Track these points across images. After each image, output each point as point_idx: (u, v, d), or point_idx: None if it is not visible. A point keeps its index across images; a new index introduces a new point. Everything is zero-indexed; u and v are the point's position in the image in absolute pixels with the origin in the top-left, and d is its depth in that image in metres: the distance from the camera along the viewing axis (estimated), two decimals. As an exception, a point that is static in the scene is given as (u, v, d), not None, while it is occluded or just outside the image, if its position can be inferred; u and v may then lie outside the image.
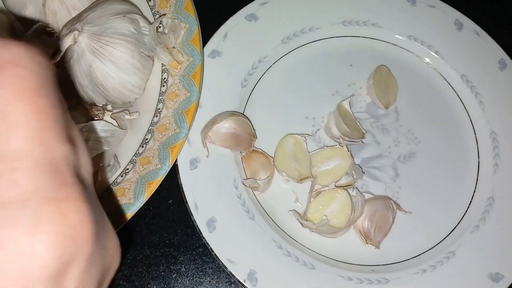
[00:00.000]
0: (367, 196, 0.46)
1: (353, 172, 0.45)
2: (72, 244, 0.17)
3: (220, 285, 0.44)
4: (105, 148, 0.43)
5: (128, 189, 0.42)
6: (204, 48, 0.48)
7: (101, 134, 0.42)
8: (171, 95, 0.45)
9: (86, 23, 0.42)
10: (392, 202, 0.45)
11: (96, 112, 0.44)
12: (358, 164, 0.47)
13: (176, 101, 0.45)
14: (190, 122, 0.44)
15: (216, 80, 0.48)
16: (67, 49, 0.42)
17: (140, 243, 0.46)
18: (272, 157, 0.47)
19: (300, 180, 0.45)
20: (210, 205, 0.44)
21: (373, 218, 0.44)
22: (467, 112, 0.51)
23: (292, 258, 0.43)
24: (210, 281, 0.45)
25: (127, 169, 0.43)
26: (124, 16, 0.43)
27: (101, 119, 0.43)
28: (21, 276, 0.15)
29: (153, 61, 0.47)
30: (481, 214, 0.46)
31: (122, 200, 0.42)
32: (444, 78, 0.52)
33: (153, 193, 0.42)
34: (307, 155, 0.46)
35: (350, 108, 0.48)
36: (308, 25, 0.52)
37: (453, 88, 0.51)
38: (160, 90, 0.46)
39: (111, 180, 0.43)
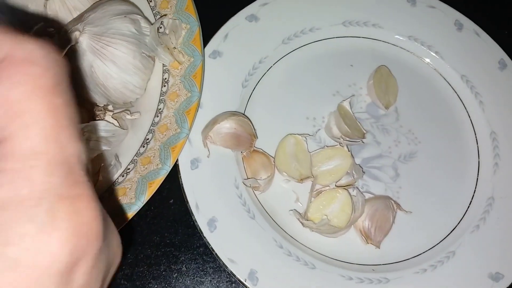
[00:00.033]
0: (367, 196, 0.46)
1: (354, 172, 0.46)
2: (83, 240, 0.17)
3: (221, 284, 0.45)
4: (106, 148, 0.44)
5: (129, 189, 0.42)
6: (205, 49, 0.49)
7: (102, 134, 0.42)
8: (172, 95, 0.45)
9: (87, 24, 0.42)
10: (392, 202, 0.45)
11: (97, 112, 0.44)
12: (359, 164, 0.48)
13: (177, 101, 0.45)
14: (191, 122, 0.44)
15: (217, 81, 0.48)
16: (68, 49, 0.42)
17: (141, 242, 0.46)
18: (272, 157, 0.47)
19: (301, 180, 0.45)
20: (211, 205, 0.44)
21: (374, 217, 0.44)
22: (467, 112, 0.51)
23: (292, 258, 0.43)
24: (211, 280, 0.45)
25: (128, 169, 0.44)
26: (125, 16, 0.43)
27: (102, 119, 0.43)
28: (35, 271, 0.16)
29: (154, 62, 0.47)
30: (481, 214, 0.46)
31: (123, 200, 0.42)
32: (444, 78, 0.52)
33: (154, 193, 0.42)
34: (308, 155, 0.46)
35: (351, 108, 0.48)
36: (309, 25, 0.52)
37: (453, 88, 0.51)
38: (161, 90, 0.46)
39: (112, 180, 0.43)
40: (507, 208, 0.46)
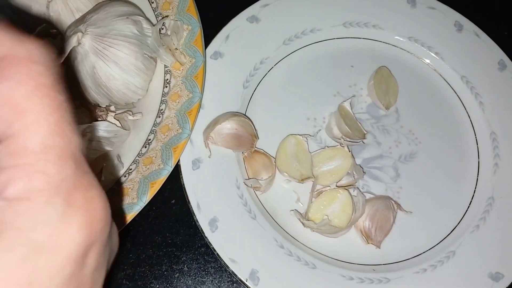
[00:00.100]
0: (368, 196, 0.46)
1: (354, 172, 0.46)
2: (97, 225, 0.18)
3: (222, 284, 0.45)
4: (108, 148, 0.44)
5: (131, 189, 0.42)
6: (206, 50, 0.49)
7: (105, 134, 0.43)
8: (173, 96, 0.46)
9: (89, 25, 0.42)
10: (393, 202, 0.46)
11: (100, 113, 0.44)
12: (359, 165, 0.48)
13: (178, 102, 0.45)
14: (192, 122, 0.44)
15: (218, 81, 0.49)
16: (71, 50, 0.42)
17: (143, 242, 0.46)
18: (273, 157, 0.47)
19: (302, 180, 0.45)
20: (212, 205, 0.44)
21: (374, 218, 0.44)
22: (467, 112, 0.51)
23: (293, 258, 0.43)
24: (212, 280, 0.45)
25: (130, 169, 0.44)
26: (127, 18, 0.44)
27: (104, 120, 0.44)
28: (59, 254, 0.17)
29: (156, 63, 0.47)
30: (481, 214, 0.46)
31: (125, 200, 0.42)
32: (444, 79, 0.52)
33: (156, 193, 0.42)
34: (309, 155, 0.47)
35: (351, 109, 0.48)
36: (309, 26, 0.52)
37: (453, 89, 0.52)
38: (163, 91, 0.46)
39: (114, 180, 0.44)
40: (507, 208, 0.46)
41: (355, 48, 0.53)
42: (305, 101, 0.50)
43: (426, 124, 0.50)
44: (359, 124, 0.48)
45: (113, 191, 0.43)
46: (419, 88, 0.52)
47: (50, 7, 0.45)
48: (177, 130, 0.44)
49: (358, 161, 0.48)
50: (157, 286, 0.45)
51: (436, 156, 0.49)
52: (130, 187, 0.43)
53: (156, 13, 0.49)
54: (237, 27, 0.51)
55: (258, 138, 0.48)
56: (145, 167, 0.43)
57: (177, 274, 0.45)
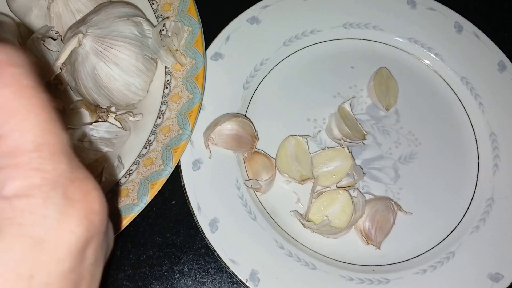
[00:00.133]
0: (368, 197, 0.46)
1: (354, 173, 0.46)
2: (95, 218, 0.19)
3: (222, 285, 0.45)
4: (109, 149, 0.44)
5: (132, 190, 0.43)
6: (207, 51, 0.49)
7: (105, 135, 0.43)
8: (174, 97, 0.46)
9: (90, 26, 0.42)
10: (392, 203, 0.46)
11: (100, 114, 0.44)
12: (359, 165, 0.48)
13: (179, 103, 0.45)
14: (193, 123, 0.44)
15: (219, 82, 0.49)
16: (71, 51, 0.42)
17: (144, 243, 0.46)
18: (274, 158, 0.47)
19: (302, 181, 0.45)
20: (212, 206, 0.44)
21: (374, 218, 0.45)
22: (467, 113, 0.51)
23: (293, 258, 0.43)
24: (212, 281, 0.45)
25: (131, 170, 0.44)
26: (128, 19, 0.44)
27: (105, 121, 0.44)
28: (59, 248, 0.18)
29: (156, 64, 0.47)
30: (481, 215, 0.46)
31: (126, 201, 0.42)
32: (444, 80, 0.52)
33: (156, 194, 0.42)
34: (309, 156, 0.47)
35: (351, 110, 0.49)
36: (310, 27, 0.52)
37: (453, 90, 0.52)
38: (163, 92, 0.47)
39: (115, 181, 0.44)
40: (506, 209, 0.46)
41: (355, 49, 0.53)
42: (305, 102, 0.50)
43: (426, 125, 0.50)
44: (359, 125, 0.48)
45: (114, 192, 0.43)
46: (419, 89, 0.52)
47: (51, 8, 0.45)
48: (178, 131, 0.44)
49: (358, 162, 0.48)
50: (158, 286, 0.45)
51: (436, 157, 0.49)
52: (130, 188, 0.43)
53: (156, 14, 0.49)
54: (237, 28, 0.51)
55: (258, 139, 0.48)
56: (146, 168, 0.43)
57: (178, 275, 0.45)
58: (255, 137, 0.47)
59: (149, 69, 0.45)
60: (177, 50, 0.47)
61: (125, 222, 0.41)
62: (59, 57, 0.42)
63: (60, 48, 0.45)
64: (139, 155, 0.44)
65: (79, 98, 0.46)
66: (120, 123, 0.44)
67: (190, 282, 0.45)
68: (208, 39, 0.49)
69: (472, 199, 0.47)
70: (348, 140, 0.47)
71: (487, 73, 0.51)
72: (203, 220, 0.44)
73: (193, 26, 0.47)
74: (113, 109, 0.45)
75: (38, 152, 0.17)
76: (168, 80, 0.47)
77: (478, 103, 0.51)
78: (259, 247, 0.43)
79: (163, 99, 0.46)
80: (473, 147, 0.50)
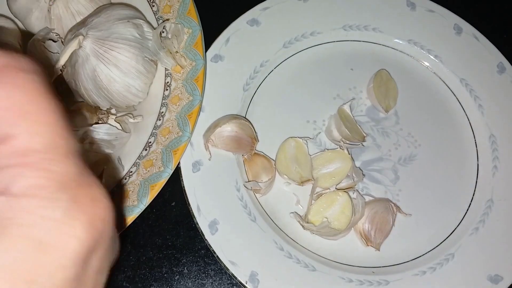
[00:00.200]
0: (367, 198, 0.47)
1: (354, 175, 0.46)
2: (102, 226, 0.18)
3: (222, 286, 0.45)
4: (109, 151, 0.44)
5: (132, 192, 0.43)
6: (207, 53, 0.49)
7: (105, 137, 0.43)
8: (174, 98, 0.46)
9: (90, 28, 0.42)
10: (392, 204, 0.46)
11: (100, 116, 0.44)
12: (359, 167, 0.48)
13: (179, 105, 0.45)
14: (192, 125, 0.44)
15: (219, 84, 0.49)
16: (72, 53, 0.42)
17: (143, 245, 0.46)
18: (273, 160, 0.47)
19: (301, 182, 0.46)
20: (212, 208, 0.44)
21: (374, 220, 0.45)
22: (467, 115, 0.51)
23: (293, 260, 0.43)
24: (212, 282, 0.45)
25: (131, 171, 0.44)
26: (128, 21, 0.44)
27: (105, 123, 0.44)
28: (62, 254, 0.17)
29: (156, 66, 0.47)
30: (480, 216, 0.46)
31: (126, 203, 0.42)
32: (444, 82, 0.52)
33: (156, 196, 0.42)
34: (308, 158, 0.47)
35: (351, 112, 0.49)
36: (309, 29, 0.53)
37: (452, 92, 0.52)
38: (163, 94, 0.47)
39: (115, 182, 0.44)
40: (506, 211, 0.46)
41: (355, 51, 0.53)
42: (305, 103, 0.50)
43: (425, 126, 0.50)
44: (359, 127, 0.48)
45: (114, 193, 0.43)
46: (418, 91, 0.52)
47: (51, 10, 0.45)
48: (178, 133, 0.44)
49: (357, 164, 0.48)
50: (158, 288, 0.45)
51: (435, 158, 0.49)
52: (130, 189, 0.43)
53: (156, 16, 0.49)
54: (237, 30, 0.51)
55: (258, 140, 0.48)
56: (146, 170, 0.43)
57: (177, 276, 0.45)
58: (254, 138, 0.47)
59: (149, 71, 0.46)
60: (177, 52, 0.47)
61: (125, 224, 0.41)
62: (60, 59, 0.42)
63: (60, 50, 0.45)
64: (139, 157, 0.45)
65: (79, 100, 0.47)
66: (120, 125, 0.44)
67: (190, 284, 0.45)
68: (208, 41, 0.49)
69: (471, 201, 0.47)
70: (347, 141, 0.47)
71: (487, 75, 0.51)
72: (202, 222, 0.44)
73: (193, 28, 0.47)
74: (113, 111, 0.45)
75: (47, 153, 0.18)
76: (168, 82, 0.47)
77: (478, 105, 0.51)
78: (259, 248, 0.43)
79: (163, 101, 0.46)
80: (472, 148, 0.50)
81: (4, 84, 0.17)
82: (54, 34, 0.46)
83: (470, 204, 0.47)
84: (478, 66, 0.52)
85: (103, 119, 0.44)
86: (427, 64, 0.53)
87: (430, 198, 0.47)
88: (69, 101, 0.47)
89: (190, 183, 0.45)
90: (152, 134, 0.45)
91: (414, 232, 0.46)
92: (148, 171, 0.43)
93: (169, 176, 0.43)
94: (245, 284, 0.42)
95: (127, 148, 0.45)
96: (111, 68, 0.42)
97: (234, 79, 0.50)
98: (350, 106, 0.49)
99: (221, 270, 0.45)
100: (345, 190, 0.46)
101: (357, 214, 0.44)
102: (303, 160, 0.47)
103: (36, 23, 0.46)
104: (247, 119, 0.48)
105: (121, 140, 0.44)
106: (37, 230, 0.17)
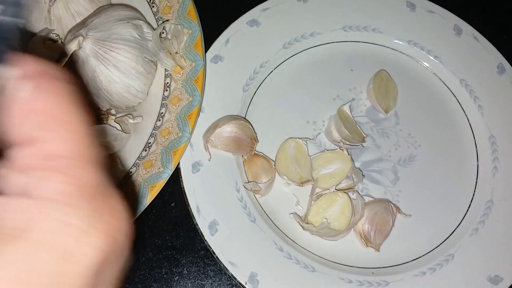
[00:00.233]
0: (367, 199, 0.47)
1: (354, 176, 0.46)
2: (120, 237, 0.19)
3: (221, 287, 0.45)
4: (108, 151, 0.44)
5: (131, 192, 0.43)
6: (207, 53, 0.49)
7: (105, 138, 0.43)
8: (174, 99, 0.46)
9: (90, 29, 0.42)
10: (392, 205, 0.46)
11: (100, 116, 0.44)
12: (359, 168, 0.48)
13: (178, 106, 0.45)
14: (192, 126, 0.44)
15: (218, 85, 0.49)
16: (71, 54, 0.42)
17: (143, 246, 0.46)
18: (273, 160, 0.47)
19: (301, 183, 0.46)
20: (212, 208, 0.44)
21: (373, 221, 0.45)
22: (466, 116, 0.51)
23: (293, 261, 0.43)
24: (211, 283, 0.45)
25: (131, 172, 0.44)
26: (128, 22, 0.44)
27: (105, 123, 0.44)
28: (84, 263, 0.17)
29: (156, 66, 0.47)
30: (480, 217, 0.46)
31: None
32: (444, 83, 0.52)
33: (156, 196, 0.42)
34: (308, 158, 0.47)
35: (351, 112, 0.49)
36: (309, 30, 0.53)
37: (452, 92, 0.52)
38: (163, 94, 0.47)
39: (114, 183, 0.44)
40: (506, 211, 0.46)
41: (355, 52, 0.53)
42: (305, 104, 0.50)
43: (425, 127, 0.50)
44: (359, 128, 0.48)
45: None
46: (418, 91, 0.52)
47: (51, 11, 0.46)
48: (177, 134, 0.44)
49: (357, 165, 0.48)
50: (157, 289, 0.45)
51: (435, 159, 0.49)
52: (130, 190, 0.43)
53: (156, 17, 0.49)
54: (237, 31, 0.51)
55: (258, 141, 0.48)
56: (145, 170, 0.43)
57: (177, 277, 0.45)
58: (254, 139, 0.47)
59: (149, 71, 0.46)
60: (177, 52, 0.47)
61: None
62: (59, 60, 0.42)
63: (60, 51, 0.45)
64: (139, 158, 0.45)
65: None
66: (120, 126, 0.44)
67: (190, 285, 0.45)
68: (208, 41, 0.49)
69: (471, 201, 0.47)
70: (347, 142, 0.47)
71: (486, 75, 0.51)
72: (202, 222, 0.44)
73: (192, 29, 0.47)
74: (113, 111, 0.45)
75: (75, 160, 0.18)
76: (167, 83, 0.47)
77: (478, 105, 0.51)
78: (259, 249, 0.43)
79: (163, 102, 0.46)
80: (472, 149, 0.50)
81: (41, 89, 0.18)
82: (54, 35, 0.46)
83: (470, 204, 0.47)
84: (478, 66, 0.52)
85: (103, 120, 0.44)
86: (427, 64, 0.53)
87: (430, 198, 0.47)
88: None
89: (190, 184, 0.45)
90: (151, 135, 0.45)
91: (414, 233, 0.46)
92: (148, 171, 0.43)
93: (168, 177, 0.43)
94: (244, 285, 0.42)
95: (127, 149, 0.45)
96: (111, 68, 0.42)
97: (234, 79, 0.50)
98: (350, 107, 0.49)
99: (221, 270, 0.45)
100: (345, 190, 0.46)
101: (357, 214, 0.44)
102: (303, 161, 0.47)
103: (36, 24, 0.46)
104: (247, 120, 0.48)
105: (121, 141, 0.44)
106: (58, 236, 0.17)
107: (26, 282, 0.16)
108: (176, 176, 0.45)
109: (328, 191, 0.46)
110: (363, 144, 0.48)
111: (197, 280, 0.45)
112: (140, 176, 0.43)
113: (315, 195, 0.46)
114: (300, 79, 0.52)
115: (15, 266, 0.16)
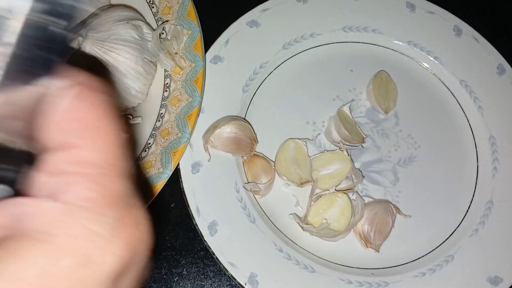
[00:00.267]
0: (367, 200, 0.46)
1: (353, 176, 0.46)
2: (141, 247, 0.19)
3: (221, 288, 0.45)
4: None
5: (131, 193, 0.43)
6: (206, 54, 0.49)
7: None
8: (173, 100, 0.46)
9: (90, 29, 0.43)
10: (391, 206, 0.46)
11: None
12: (358, 168, 0.48)
13: (178, 106, 0.45)
14: (192, 126, 0.44)
15: (218, 86, 0.49)
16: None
17: (143, 246, 0.46)
18: (273, 161, 0.47)
19: (301, 184, 0.46)
20: (211, 209, 0.44)
21: (373, 221, 0.45)
22: (466, 116, 0.51)
23: (292, 261, 0.43)
24: (211, 284, 0.45)
25: (130, 173, 0.44)
26: (127, 22, 0.44)
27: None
28: (103, 270, 0.18)
29: (156, 67, 0.47)
30: (480, 218, 0.46)
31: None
32: (443, 83, 0.52)
33: (156, 197, 0.42)
34: (308, 159, 0.47)
35: (350, 113, 0.49)
36: (309, 31, 0.53)
37: (452, 93, 0.52)
38: (163, 95, 0.47)
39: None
40: (506, 212, 0.46)
41: (355, 53, 0.53)
42: (305, 105, 0.50)
43: (425, 128, 0.50)
44: (358, 128, 0.48)
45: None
46: (418, 92, 0.52)
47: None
48: (177, 134, 0.44)
49: (357, 165, 0.48)
50: (157, 289, 0.45)
51: (435, 160, 0.49)
52: (129, 190, 0.43)
53: (156, 17, 0.49)
54: (237, 32, 0.51)
55: (258, 142, 0.48)
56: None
57: (176, 278, 0.45)
58: (254, 140, 0.47)
59: (149, 72, 0.46)
60: (176, 53, 0.47)
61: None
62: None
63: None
64: (139, 158, 0.45)
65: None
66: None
67: (189, 285, 0.45)
68: (208, 42, 0.49)
69: (471, 202, 0.47)
70: (347, 143, 0.47)
71: (486, 76, 0.51)
72: (202, 223, 0.44)
73: (192, 30, 0.47)
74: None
75: (104, 169, 0.18)
76: (167, 83, 0.47)
77: (477, 106, 0.51)
78: (258, 250, 0.43)
79: (163, 102, 0.46)
80: (472, 150, 0.50)
81: (80, 99, 0.19)
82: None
83: (469, 205, 0.47)
84: (478, 67, 0.52)
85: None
86: (426, 65, 0.53)
87: (430, 199, 0.47)
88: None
89: (190, 185, 0.45)
90: (151, 135, 0.45)
91: (413, 234, 0.46)
92: (148, 172, 0.43)
93: (168, 178, 0.43)
94: (244, 285, 0.42)
95: (127, 149, 0.45)
96: (111, 69, 0.42)
97: (234, 80, 0.50)
98: (349, 108, 0.49)
99: (221, 271, 0.45)
100: (345, 191, 0.46)
101: (357, 215, 0.44)
102: (303, 162, 0.47)
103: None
104: (247, 120, 0.48)
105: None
106: (83, 243, 0.17)
107: (44, 285, 0.16)
108: (175, 176, 0.45)
109: (327, 191, 0.46)
110: (363, 144, 0.48)
111: (197, 280, 0.45)
112: (139, 177, 0.43)
113: (314, 196, 0.46)
114: (300, 79, 0.52)
115: (35, 269, 0.16)
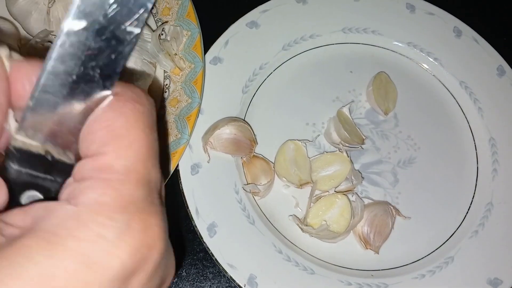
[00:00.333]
0: (366, 201, 0.46)
1: (353, 178, 0.46)
2: (148, 252, 0.19)
3: (220, 289, 0.45)
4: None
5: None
6: (206, 55, 0.49)
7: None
8: (172, 101, 0.46)
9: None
10: (391, 207, 0.46)
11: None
12: (358, 170, 0.48)
13: (177, 107, 0.45)
14: (191, 128, 0.44)
15: (218, 87, 0.49)
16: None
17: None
18: (272, 162, 0.47)
19: (300, 185, 0.45)
20: (211, 210, 0.44)
21: (373, 223, 0.45)
22: (466, 118, 0.51)
23: (292, 263, 0.43)
24: (210, 285, 0.45)
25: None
26: (127, 23, 0.44)
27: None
28: (106, 272, 0.18)
29: (155, 68, 0.47)
30: (480, 220, 0.46)
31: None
32: (443, 85, 0.52)
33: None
34: (307, 160, 0.47)
35: (350, 114, 0.49)
36: (309, 32, 0.53)
37: (452, 95, 0.52)
38: (162, 96, 0.47)
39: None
40: (505, 214, 0.46)
41: (354, 54, 0.53)
42: (304, 106, 0.50)
43: (425, 129, 0.50)
44: (358, 130, 0.48)
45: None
46: (418, 93, 0.52)
47: (51, 12, 0.45)
48: (176, 135, 0.44)
49: (356, 167, 0.48)
50: (156, 291, 0.45)
51: (435, 161, 0.49)
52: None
53: (155, 18, 0.49)
54: (236, 33, 0.51)
55: (257, 143, 0.48)
56: (144, 172, 0.43)
57: (176, 279, 0.45)
58: (253, 141, 0.47)
59: (148, 73, 0.45)
60: (176, 54, 0.47)
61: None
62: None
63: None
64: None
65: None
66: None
67: (188, 287, 0.45)
68: (207, 43, 0.49)
69: (471, 204, 0.47)
70: (347, 144, 0.47)
71: (486, 77, 0.51)
72: (201, 224, 0.44)
73: (192, 31, 0.47)
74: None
75: (123, 175, 0.19)
76: (167, 84, 0.47)
77: (477, 107, 0.51)
78: (258, 251, 0.43)
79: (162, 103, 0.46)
80: (472, 151, 0.50)
81: (111, 108, 0.20)
82: (53, 37, 0.46)
83: (469, 207, 0.47)
84: (478, 68, 0.52)
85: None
86: (426, 66, 0.53)
87: (430, 201, 0.47)
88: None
89: (189, 186, 0.45)
90: (150, 137, 0.45)
91: (413, 235, 0.46)
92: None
93: (167, 179, 0.43)
94: (243, 287, 0.42)
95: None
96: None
97: (233, 81, 0.50)
98: (349, 109, 0.49)
99: (220, 273, 0.45)
100: (344, 193, 0.46)
101: (356, 217, 0.44)
102: (302, 163, 0.46)
103: (35, 25, 0.46)
104: (246, 122, 0.48)
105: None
106: (90, 246, 0.18)
107: (44, 285, 0.17)
108: (175, 178, 0.45)
109: (327, 193, 0.46)
110: (363, 146, 0.48)
111: (196, 282, 0.45)
112: (139, 178, 0.43)
113: (314, 197, 0.46)
114: (299, 81, 0.52)
115: (37, 268, 0.17)
